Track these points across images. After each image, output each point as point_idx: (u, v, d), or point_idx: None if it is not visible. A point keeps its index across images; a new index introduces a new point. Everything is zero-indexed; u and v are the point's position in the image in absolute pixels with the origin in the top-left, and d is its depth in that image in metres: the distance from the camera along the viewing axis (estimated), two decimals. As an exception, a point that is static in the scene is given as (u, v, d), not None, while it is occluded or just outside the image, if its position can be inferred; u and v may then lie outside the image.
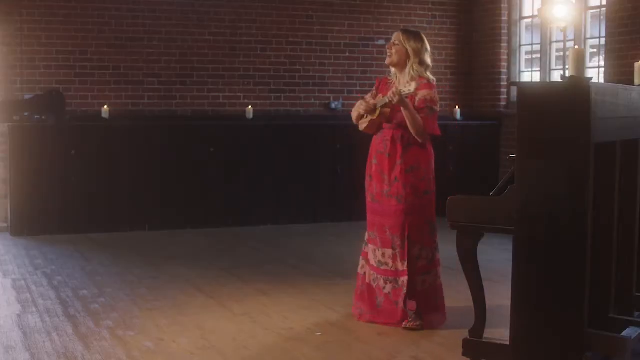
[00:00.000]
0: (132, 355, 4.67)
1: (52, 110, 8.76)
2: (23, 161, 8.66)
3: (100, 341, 4.93)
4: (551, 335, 3.87)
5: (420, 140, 5.25)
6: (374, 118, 5.34)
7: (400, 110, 5.22)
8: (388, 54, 5.38)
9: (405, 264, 5.20)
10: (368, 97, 5.47)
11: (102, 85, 9.38)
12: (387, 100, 5.19)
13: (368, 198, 5.42)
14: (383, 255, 5.28)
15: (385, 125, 5.34)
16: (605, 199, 4.22)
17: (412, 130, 5.20)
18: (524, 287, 3.93)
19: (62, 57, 9.22)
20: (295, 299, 6.01)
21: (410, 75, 5.30)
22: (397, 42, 5.33)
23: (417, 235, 5.22)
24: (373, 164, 5.37)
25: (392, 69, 5.43)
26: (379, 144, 5.36)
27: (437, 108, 5.32)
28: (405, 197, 5.19)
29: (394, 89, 5.16)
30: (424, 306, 5.27)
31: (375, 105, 5.34)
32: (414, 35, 5.40)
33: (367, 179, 5.43)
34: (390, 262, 5.25)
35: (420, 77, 5.29)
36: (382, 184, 5.30)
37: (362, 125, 5.41)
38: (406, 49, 5.32)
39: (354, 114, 5.47)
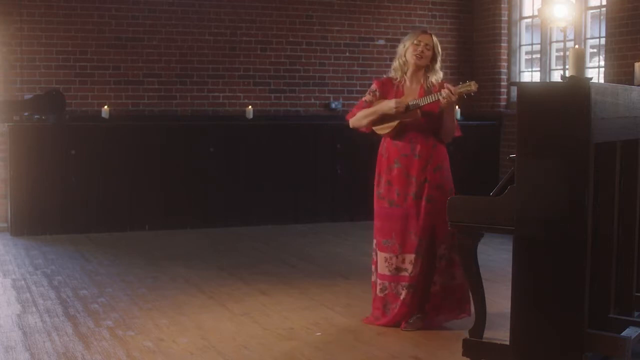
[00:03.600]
0: (132, 355, 4.67)
1: (52, 110, 8.76)
2: (23, 161, 8.67)
3: (100, 341, 4.93)
4: (551, 335, 3.87)
5: (446, 141, 5.29)
6: (407, 120, 5.20)
7: (429, 111, 5.19)
8: (419, 56, 5.24)
9: (427, 265, 5.14)
10: (368, 98, 5.38)
11: (102, 85, 9.38)
12: (437, 98, 5.09)
13: (384, 205, 5.26)
14: (403, 261, 5.17)
15: (408, 127, 5.23)
16: (605, 199, 4.22)
17: (446, 132, 5.23)
18: (524, 287, 3.93)
19: (62, 57, 9.22)
20: (295, 299, 6.01)
21: (434, 78, 5.31)
22: (430, 45, 5.26)
23: (443, 235, 5.14)
24: (394, 169, 5.23)
25: (399, 70, 5.31)
26: (403, 147, 5.23)
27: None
28: (436, 197, 5.15)
29: (451, 89, 5.08)
30: (433, 306, 5.21)
31: (408, 105, 5.19)
32: (436, 38, 5.40)
33: (384, 185, 5.27)
34: (410, 267, 5.14)
35: (443, 81, 5.32)
36: (407, 186, 5.19)
37: (385, 129, 5.28)
38: (434, 54, 5.30)
39: (365, 120, 5.30)
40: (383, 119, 5.27)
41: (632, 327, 4.18)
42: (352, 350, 4.83)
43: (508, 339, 4.03)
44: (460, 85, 5.15)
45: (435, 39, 5.35)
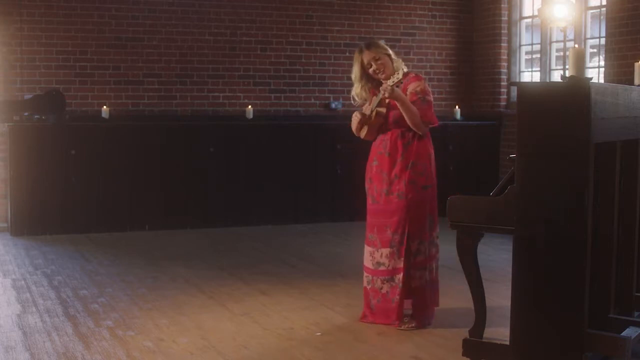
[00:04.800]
0: (132, 355, 4.67)
1: (52, 110, 8.76)
2: (23, 161, 8.67)
3: (100, 341, 4.93)
4: (551, 335, 3.87)
5: (419, 132, 5.28)
6: (371, 122, 5.38)
7: (395, 109, 5.27)
8: (379, 71, 5.34)
9: (402, 261, 5.21)
10: (365, 107, 5.50)
11: (102, 85, 9.38)
12: (380, 98, 5.25)
13: (369, 201, 5.44)
14: (381, 255, 5.29)
15: (385, 126, 5.37)
16: (605, 199, 4.22)
17: (409, 122, 5.23)
18: (524, 287, 3.93)
19: (62, 57, 9.22)
20: (295, 299, 6.01)
21: (401, 70, 5.38)
22: (377, 56, 5.34)
23: (416, 230, 5.24)
24: (373, 166, 5.40)
25: (365, 92, 5.44)
26: (379, 145, 5.39)
27: (430, 98, 5.36)
28: (406, 193, 5.22)
29: (383, 85, 5.22)
30: (420, 302, 5.27)
31: (368, 113, 5.39)
32: (377, 42, 5.47)
33: (367, 182, 5.45)
34: (387, 261, 5.26)
35: (408, 73, 5.39)
36: (382, 183, 5.32)
37: (362, 133, 5.46)
38: (387, 55, 5.38)
39: (353, 126, 5.48)
40: (363, 124, 5.46)
41: (632, 327, 4.18)
42: (352, 350, 4.83)
43: (508, 339, 4.03)
44: (391, 78, 5.28)
45: (375, 46, 5.39)
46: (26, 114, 8.81)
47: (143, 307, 5.74)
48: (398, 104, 5.22)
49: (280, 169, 9.52)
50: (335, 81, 10.26)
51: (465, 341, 4.29)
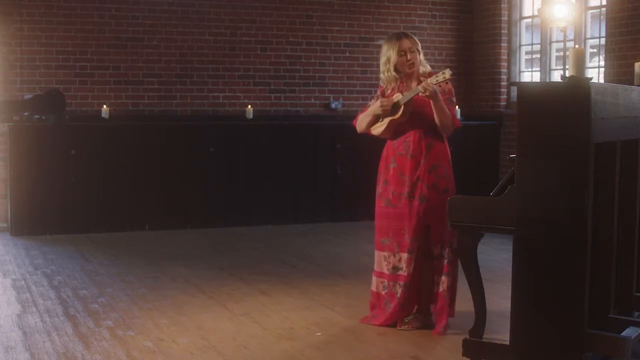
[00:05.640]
0: (132, 355, 4.67)
1: (52, 110, 8.76)
2: (23, 161, 8.67)
3: (100, 341, 4.93)
4: (551, 335, 3.87)
5: (445, 134, 5.19)
6: (395, 118, 5.16)
7: (421, 108, 5.13)
8: (411, 65, 5.20)
9: (418, 266, 5.14)
10: (372, 103, 5.34)
11: (102, 85, 9.38)
12: (417, 92, 5.02)
13: (381, 204, 5.27)
14: (399, 260, 5.17)
15: (405, 126, 5.21)
16: (605, 199, 4.22)
17: (440, 124, 5.10)
18: (524, 287, 3.93)
19: (62, 57, 9.23)
20: (295, 299, 6.01)
21: (423, 72, 5.26)
22: (413, 48, 5.21)
23: (438, 235, 5.14)
24: (391, 168, 5.23)
25: (392, 82, 5.27)
26: (399, 146, 5.22)
27: (455, 100, 5.28)
28: (428, 196, 5.12)
29: (425, 82, 5.02)
30: (440, 308, 5.18)
31: (394, 103, 5.17)
32: (413, 36, 5.35)
33: (381, 184, 5.28)
34: (404, 266, 5.15)
35: (432, 72, 5.25)
36: (401, 186, 5.17)
37: (378, 129, 5.27)
38: (418, 52, 5.26)
39: (364, 122, 5.31)
40: (378, 119, 5.27)
41: (632, 327, 4.18)
42: (352, 350, 4.83)
43: (508, 339, 4.03)
44: (434, 76, 5.11)
45: (412, 37, 5.29)
46: (26, 114, 8.82)
47: (143, 307, 5.74)
48: (433, 104, 5.06)
49: (280, 169, 9.52)
50: (335, 81, 10.26)
51: (465, 341, 4.29)
